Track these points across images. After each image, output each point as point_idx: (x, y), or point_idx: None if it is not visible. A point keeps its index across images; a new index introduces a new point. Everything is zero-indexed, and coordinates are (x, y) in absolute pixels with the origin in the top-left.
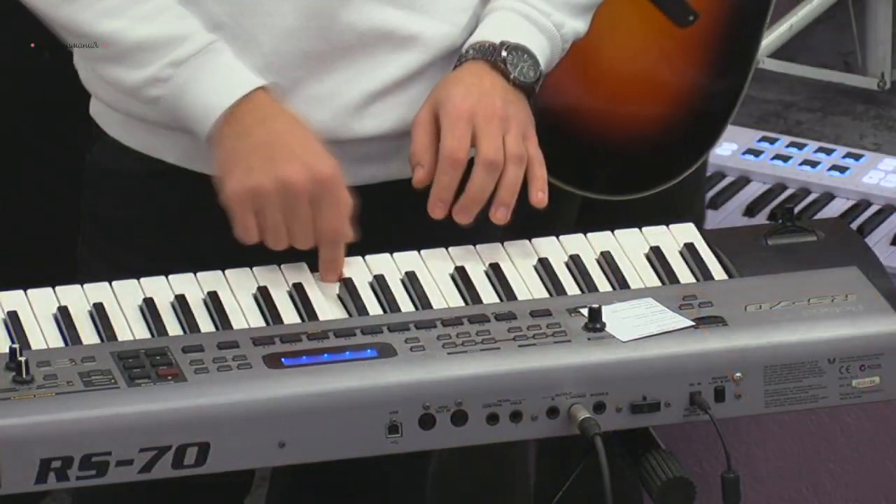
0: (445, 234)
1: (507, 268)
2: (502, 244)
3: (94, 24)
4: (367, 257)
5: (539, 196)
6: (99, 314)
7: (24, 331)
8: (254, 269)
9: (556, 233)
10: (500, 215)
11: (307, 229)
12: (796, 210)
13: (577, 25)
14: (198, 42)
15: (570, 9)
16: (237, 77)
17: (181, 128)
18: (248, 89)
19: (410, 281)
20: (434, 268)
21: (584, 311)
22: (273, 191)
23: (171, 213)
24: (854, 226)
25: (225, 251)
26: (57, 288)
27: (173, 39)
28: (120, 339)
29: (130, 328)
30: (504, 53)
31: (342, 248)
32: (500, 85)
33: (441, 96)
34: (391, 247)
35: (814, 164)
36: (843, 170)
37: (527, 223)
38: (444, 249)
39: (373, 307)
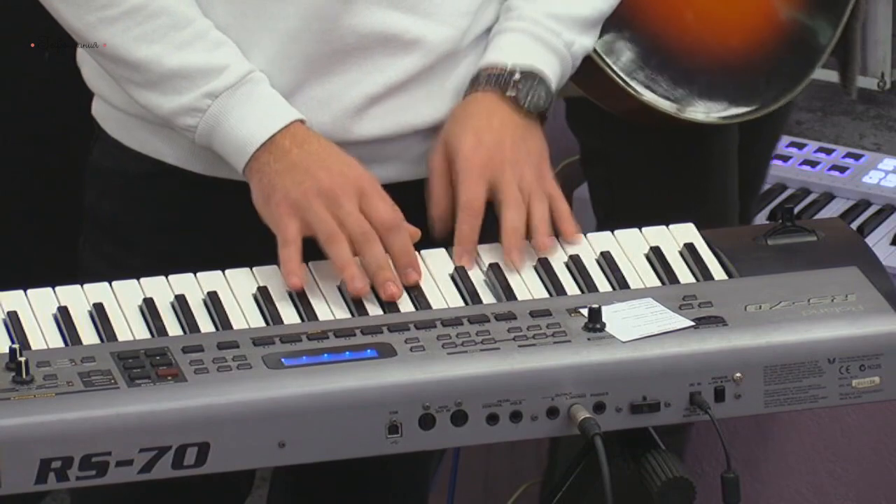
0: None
1: (507, 268)
2: (502, 244)
3: (131, 50)
4: None
5: (572, 231)
6: (99, 314)
7: (24, 331)
8: (254, 269)
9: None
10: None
11: (356, 217)
12: (796, 210)
13: (586, 42)
14: (235, 73)
15: (579, 26)
16: (275, 109)
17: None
18: (286, 122)
19: None
20: (434, 268)
21: (584, 312)
22: (315, 199)
23: (171, 214)
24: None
25: (225, 251)
26: (57, 288)
27: (211, 70)
28: (120, 339)
29: (130, 328)
30: (517, 78)
31: (407, 235)
32: (511, 122)
33: (454, 146)
34: None
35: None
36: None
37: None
38: (444, 249)
39: (373, 307)
